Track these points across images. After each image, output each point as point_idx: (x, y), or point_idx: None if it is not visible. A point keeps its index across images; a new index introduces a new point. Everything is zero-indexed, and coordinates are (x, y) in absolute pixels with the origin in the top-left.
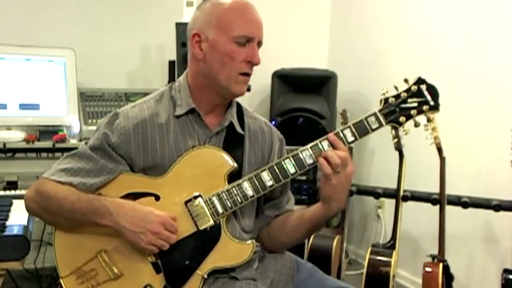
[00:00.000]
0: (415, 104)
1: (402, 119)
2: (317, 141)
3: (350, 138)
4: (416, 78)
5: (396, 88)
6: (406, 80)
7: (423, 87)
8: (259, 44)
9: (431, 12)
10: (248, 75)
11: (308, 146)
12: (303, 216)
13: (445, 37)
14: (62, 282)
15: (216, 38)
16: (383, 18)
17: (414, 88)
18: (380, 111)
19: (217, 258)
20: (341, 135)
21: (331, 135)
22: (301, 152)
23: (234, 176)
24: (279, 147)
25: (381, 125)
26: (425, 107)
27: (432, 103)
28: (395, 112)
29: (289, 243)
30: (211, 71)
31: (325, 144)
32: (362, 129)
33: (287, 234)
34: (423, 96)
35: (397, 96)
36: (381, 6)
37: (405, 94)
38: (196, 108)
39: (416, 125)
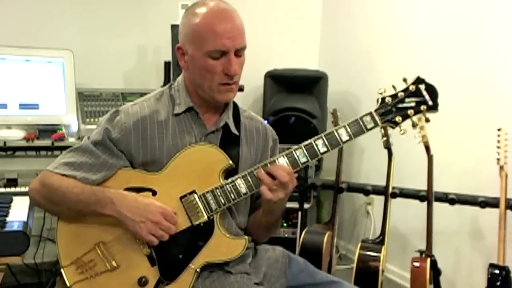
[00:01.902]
0: (413, 104)
1: (398, 119)
2: (311, 140)
3: (345, 137)
4: (415, 78)
5: (394, 87)
6: (405, 80)
7: (422, 86)
8: (240, 50)
9: (420, 13)
10: (229, 84)
11: (302, 145)
12: (257, 215)
13: (433, 38)
14: (62, 271)
15: (193, 53)
16: (372, 20)
17: (412, 87)
18: (376, 110)
19: (209, 253)
20: (336, 134)
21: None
22: (294, 150)
23: (230, 174)
24: (272, 147)
25: (376, 125)
26: (422, 107)
27: (430, 103)
28: (391, 112)
29: (259, 235)
30: (196, 81)
31: (319, 142)
32: (357, 129)
33: (254, 230)
34: (422, 96)
35: (394, 96)
36: (371, 9)
37: (402, 94)
38: (194, 107)
39: (414, 125)
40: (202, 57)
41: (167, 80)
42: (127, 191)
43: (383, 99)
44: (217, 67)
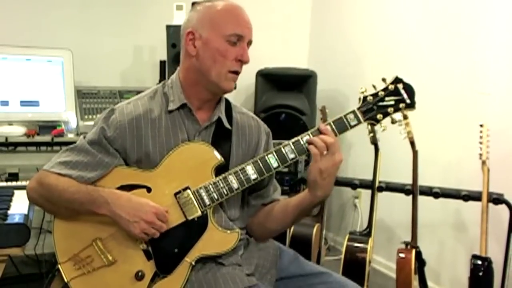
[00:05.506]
0: (392, 102)
1: (379, 116)
2: (299, 137)
3: None
4: (394, 78)
5: (374, 86)
6: (384, 79)
7: (400, 86)
8: (249, 44)
9: (406, 14)
10: (237, 73)
11: (290, 141)
12: (290, 203)
13: (418, 37)
14: (60, 268)
15: (209, 36)
16: (360, 20)
17: (391, 87)
18: (358, 108)
19: (204, 246)
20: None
21: (322, 125)
22: (283, 147)
23: (221, 168)
24: (266, 140)
25: (359, 122)
26: (401, 105)
27: (408, 101)
28: (373, 110)
29: (276, 230)
30: (203, 67)
31: (305, 139)
32: (341, 126)
33: (275, 221)
34: (400, 94)
35: (375, 95)
36: (359, 9)
37: (382, 93)
38: (188, 104)
39: (393, 121)
40: (219, 40)
41: (162, 78)
42: (122, 190)
43: (365, 97)
44: (231, 53)
